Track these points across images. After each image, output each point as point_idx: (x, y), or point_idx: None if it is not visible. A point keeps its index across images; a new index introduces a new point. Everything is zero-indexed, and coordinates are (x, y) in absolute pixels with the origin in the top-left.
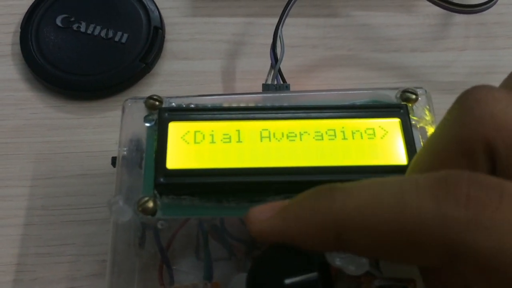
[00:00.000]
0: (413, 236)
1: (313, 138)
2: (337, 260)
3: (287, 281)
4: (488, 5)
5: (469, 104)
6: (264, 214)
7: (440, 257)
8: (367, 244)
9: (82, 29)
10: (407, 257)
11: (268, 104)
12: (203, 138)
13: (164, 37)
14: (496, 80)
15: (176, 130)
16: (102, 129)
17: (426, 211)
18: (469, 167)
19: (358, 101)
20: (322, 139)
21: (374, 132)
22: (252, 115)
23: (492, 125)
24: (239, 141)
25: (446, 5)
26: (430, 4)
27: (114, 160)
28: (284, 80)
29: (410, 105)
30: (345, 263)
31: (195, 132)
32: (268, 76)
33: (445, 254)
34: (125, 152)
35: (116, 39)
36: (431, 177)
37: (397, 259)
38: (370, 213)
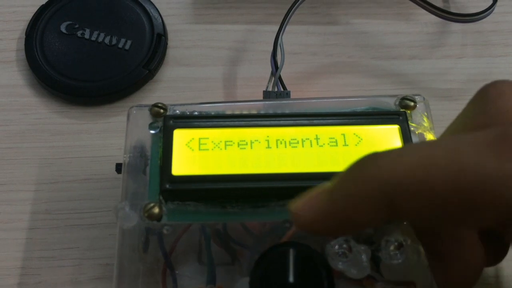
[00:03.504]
0: (473, 196)
1: (315, 144)
2: (339, 264)
3: (291, 280)
4: (484, 14)
5: (492, 96)
6: (308, 203)
7: (500, 215)
8: (422, 207)
9: (86, 36)
10: (463, 218)
11: (270, 111)
12: (207, 145)
13: (167, 44)
14: None
15: (181, 137)
16: (106, 135)
17: (487, 168)
18: None
19: (358, 108)
20: (324, 145)
21: (374, 139)
22: (255, 122)
23: None
24: (242, 147)
25: (444, 14)
26: (428, 12)
27: (118, 167)
28: (284, 87)
29: (408, 112)
30: (347, 266)
31: (200, 139)
32: (268, 83)
33: (506, 213)
34: (130, 159)
35: (120, 45)
36: (490, 133)
37: (452, 221)
38: (423, 174)
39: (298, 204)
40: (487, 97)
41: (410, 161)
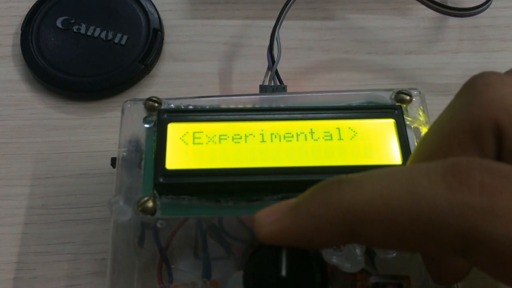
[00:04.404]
0: (428, 226)
1: (310, 138)
2: (333, 258)
3: (283, 273)
4: (481, 8)
5: (479, 87)
6: (271, 216)
7: (455, 245)
8: (380, 235)
9: (82, 31)
10: (421, 246)
11: (266, 105)
12: (202, 139)
13: (163, 39)
14: None
15: (175, 131)
16: (102, 130)
17: (440, 200)
18: (477, 147)
19: (354, 102)
20: (319, 139)
21: (369, 133)
22: (249, 116)
23: (502, 106)
24: (236, 141)
25: (440, 8)
26: (425, 7)
27: (113, 161)
28: (281, 82)
29: (404, 106)
30: (341, 260)
31: (194, 133)
32: (265, 77)
33: (460, 242)
34: (124, 153)
35: (116, 40)
36: (442, 165)
37: (410, 249)
38: (382, 205)
39: (263, 214)
40: (475, 88)
41: (370, 190)
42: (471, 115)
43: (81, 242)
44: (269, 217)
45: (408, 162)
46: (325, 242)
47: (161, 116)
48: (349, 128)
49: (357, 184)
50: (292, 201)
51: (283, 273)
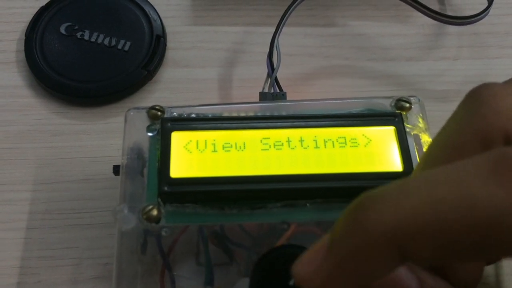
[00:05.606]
0: (489, 229)
1: (312, 146)
2: None
3: (291, 282)
4: (479, 16)
5: (485, 98)
6: (310, 265)
7: None
8: (433, 248)
9: (86, 37)
10: (480, 252)
11: (267, 113)
12: (205, 147)
13: (166, 45)
14: None
15: (178, 139)
16: (105, 135)
17: (497, 200)
18: None
19: (354, 109)
20: (321, 147)
21: (370, 140)
22: (252, 124)
23: (510, 117)
24: (240, 149)
25: (439, 17)
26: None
27: (116, 169)
28: (280, 88)
29: (404, 113)
30: None
31: (197, 141)
32: (265, 84)
33: None
34: (128, 161)
35: (119, 47)
36: (489, 159)
37: (468, 257)
38: (431, 214)
39: (301, 265)
40: (480, 99)
41: (414, 202)
42: (479, 126)
43: (85, 246)
44: (309, 266)
45: (413, 175)
46: (376, 272)
47: (165, 124)
48: (351, 135)
49: (393, 199)
50: (326, 239)
51: (291, 282)
